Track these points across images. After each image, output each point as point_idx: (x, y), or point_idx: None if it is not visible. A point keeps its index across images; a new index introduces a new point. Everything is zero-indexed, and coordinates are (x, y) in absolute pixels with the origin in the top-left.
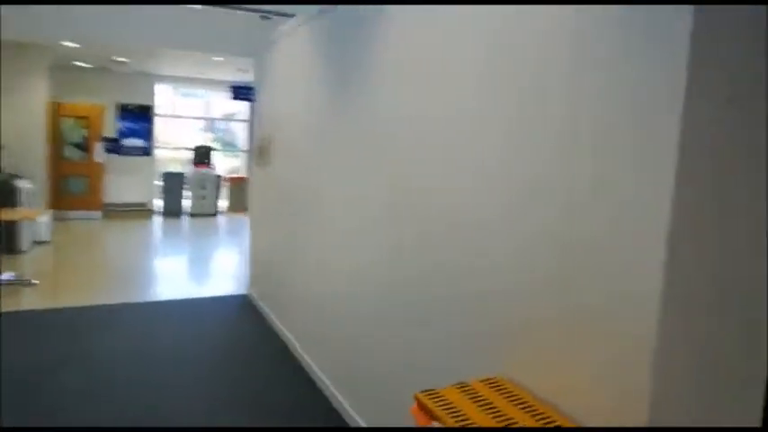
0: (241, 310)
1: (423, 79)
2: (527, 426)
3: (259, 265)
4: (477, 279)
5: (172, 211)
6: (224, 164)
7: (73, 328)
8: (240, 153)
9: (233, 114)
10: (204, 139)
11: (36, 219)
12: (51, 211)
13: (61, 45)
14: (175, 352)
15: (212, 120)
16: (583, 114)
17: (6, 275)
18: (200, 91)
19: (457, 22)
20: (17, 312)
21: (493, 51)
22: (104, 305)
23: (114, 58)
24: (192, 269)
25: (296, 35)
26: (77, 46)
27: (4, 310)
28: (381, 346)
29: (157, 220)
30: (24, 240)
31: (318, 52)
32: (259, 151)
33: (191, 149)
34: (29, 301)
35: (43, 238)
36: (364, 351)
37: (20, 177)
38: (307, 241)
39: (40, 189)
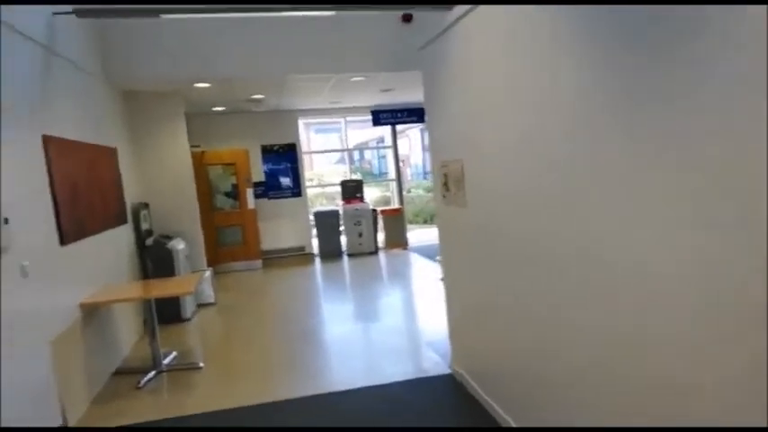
0: (451, 399)
1: None
2: None
3: (464, 333)
4: None
5: (330, 252)
6: (368, 196)
7: None
8: (387, 182)
9: (374, 141)
10: (342, 173)
11: (194, 290)
12: (211, 269)
13: (195, 88)
14: None
15: (347, 150)
16: None
17: (169, 357)
18: (335, 123)
19: None
20: (183, 420)
21: None
22: (283, 402)
23: (251, 96)
24: (372, 334)
25: (493, 20)
26: (208, 85)
27: (166, 416)
28: None
29: (317, 265)
30: (188, 307)
31: (574, 36)
32: (444, 183)
33: (334, 184)
34: (195, 401)
35: (207, 299)
36: None
37: (171, 238)
38: (550, 302)
39: (197, 247)
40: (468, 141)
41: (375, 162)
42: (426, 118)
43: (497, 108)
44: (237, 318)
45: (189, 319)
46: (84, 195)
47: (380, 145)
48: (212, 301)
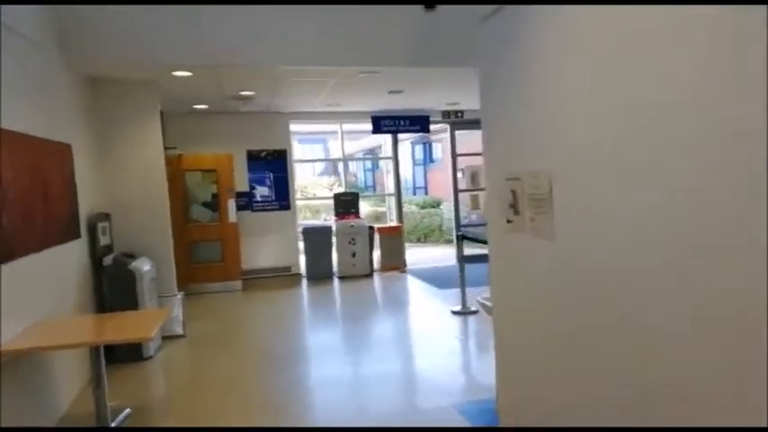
0: None
1: None
2: None
3: (528, 401)
4: None
5: (319, 273)
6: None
7: None
8: (382, 197)
9: (360, 153)
10: (328, 185)
11: (153, 336)
12: (181, 294)
13: (173, 78)
14: None
15: (343, 160)
16: None
17: (120, 417)
18: (320, 135)
19: None
20: None
21: None
22: None
23: (239, 93)
24: (381, 387)
25: None
26: (189, 74)
27: None
28: None
29: (304, 288)
30: (150, 343)
31: None
32: (510, 204)
33: (325, 198)
34: None
35: (175, 331)
36: None
37: (134, 257)
38: None
39: (166, 267)
40: (560, 148)
41: (360, 175)
42: (483, 116)
43: (608, 107)
44: (211, 356)
45: (151, 357)
46: (20, 203)
47: (378, 156)
48: (181, 332)
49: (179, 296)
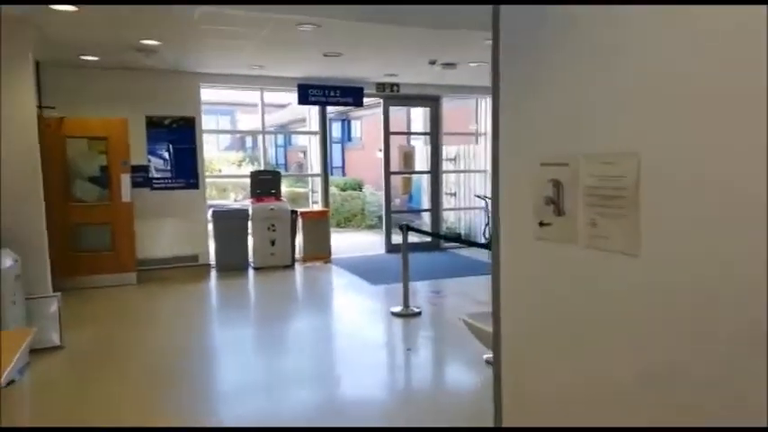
0: None
1: None
2: None
3: None
4: None
5: (231, 263)
6: None
7: None
8: (306, 177)
9: (294, 124)
10: (236, 161)
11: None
12: (58, 296)
13: (53, 13)
14: None
15: (272, 133)
16: None
17: None
18: (228, 106)
19: None
20: None
21: None
22: None
23: (140, 42)
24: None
25: None
26: (74, 9)
27: None
28: None
29: (213, 281)
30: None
31: None
32: (551, 200)
33: (236, 177)
34: None
35: (48, 342)
36: None
37: None
38: None
39: (37, 260)
40: (658, 116)
41: (271, 152)
42: (503, 80)
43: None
44: (96, 375)
45: (12, 383)
46: None
47: (301, 130)
48: (57, 343)
49: (55, 297)
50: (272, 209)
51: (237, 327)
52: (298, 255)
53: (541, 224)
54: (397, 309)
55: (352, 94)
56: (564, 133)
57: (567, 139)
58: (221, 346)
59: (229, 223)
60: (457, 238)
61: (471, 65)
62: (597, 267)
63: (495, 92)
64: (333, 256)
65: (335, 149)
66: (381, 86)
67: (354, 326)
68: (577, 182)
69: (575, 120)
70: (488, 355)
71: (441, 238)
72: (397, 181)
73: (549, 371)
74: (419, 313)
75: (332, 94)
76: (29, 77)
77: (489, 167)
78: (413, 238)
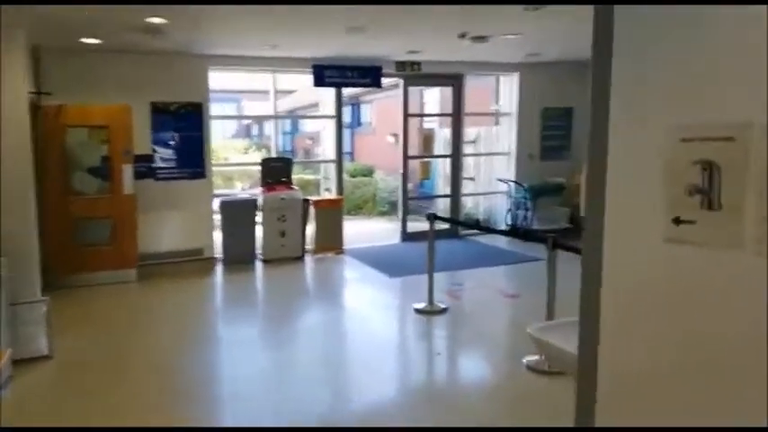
0: None
1: None
2: None
3: None
4: None
5: (239, 256)
6: None
7: None
8: (318, 164)
9: (300, 111)
10: (241, 149)
11: None
12: (46, 300)
13: None
14: None
15: (283, 117)
16: None
17: None
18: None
19: None
20: None
21: None
22: None
23: (145, 20)
24: None
25: None
26: None
27: None
28: None
29: (219, 276)
30: None
31: None
32: (696, 188)
33: (244, 165)
34: None
35: (36, 351)
36: None
37: None
38: None
39: (26, 261)
40: None
41: (278, 139)
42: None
43: None
44: (89, 392)
45: None
46: None
47: (316, 113)
48: (46, 352)
49: (43, 302)
50: (282, 198)
51: (245, 328)
52: (308, 245)
53: (678, 221)
54: (421, 305)
55: (370, 75)
56: (728, 93)
57: (735, 101)
58: (227, 355)
59: (237, 214)
60: (487, 227)
61: (507, 37)
62: None
63: (616, 57)
64: (345, 247)
65: (345, 135)
66: (402, 65)
67: (374, 326)
68: (748, 163)
69: (750, 72)
70: (529, 358)
71: (471, 227)
72: (413, 165)
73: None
74: (445, 310)
75: (349, 75)
76: (18, 60)
77: (513, 149)
78: (426, 225)
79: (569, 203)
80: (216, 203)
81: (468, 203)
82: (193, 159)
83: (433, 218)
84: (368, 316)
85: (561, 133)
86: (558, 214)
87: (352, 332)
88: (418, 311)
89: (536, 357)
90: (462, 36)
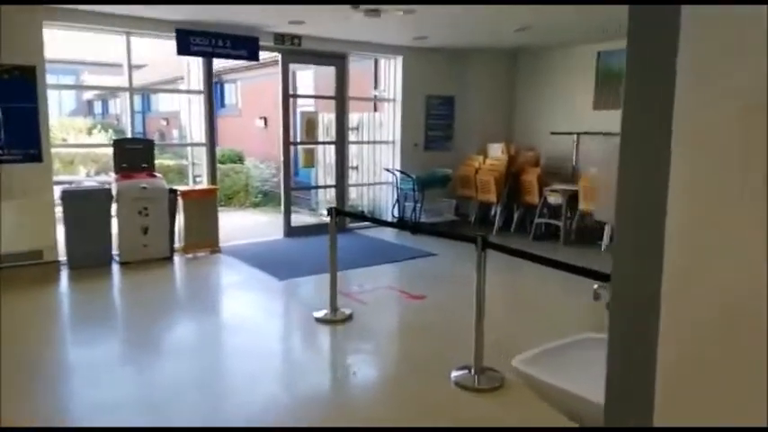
0: None
1: None
2: None
3: None
4: None
5: (89, 258)
6: None
7: None
8: (184, 147)
9: (170, 83)
10: (83, 128)
11: None
12: None
13: None
14: None
15: (138, 90)
16: None
17: None
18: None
19: None
20: None
21: None
22: None
23: None
24: None
25: None
26: None
27: None
28: None
29: (65, 285)
30: None
31: None
32: None
33: (97, 146)
34: None
35: None
36: None
37: None
38: None
39: None
40: None
41: (126, 119)
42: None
43: None
44: None
45: None
46: None
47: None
48: None
49: None
50: (144, 187)
51: (101, 348)
52: (177, 244)
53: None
54: (321, 313)
55: (245, 46)
56: None
57: None
58: (80, 381)
59: (86, 206)
60: (403, 223)
61: (398, 13)
62: None
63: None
64: (222, 244)
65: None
66: (281, 38)
67: (267, 342)
68: None
69: None
70: (456, 373)
71: (388, 225)
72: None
73: None
74: (350, 317)
75: (220, 44)
76: None
77: (398, 138)
78: (309, 218)
79: (454, 195)
80: (57, 193)
81: (352, 194)
82: (26, 138)
83: (334, 212)
84: (258, 329)
85: (445, 123)
86: (444, 206)
87: (238, 350)
88: (319, 320)
89: (463, 372)
90: (356, 4)
